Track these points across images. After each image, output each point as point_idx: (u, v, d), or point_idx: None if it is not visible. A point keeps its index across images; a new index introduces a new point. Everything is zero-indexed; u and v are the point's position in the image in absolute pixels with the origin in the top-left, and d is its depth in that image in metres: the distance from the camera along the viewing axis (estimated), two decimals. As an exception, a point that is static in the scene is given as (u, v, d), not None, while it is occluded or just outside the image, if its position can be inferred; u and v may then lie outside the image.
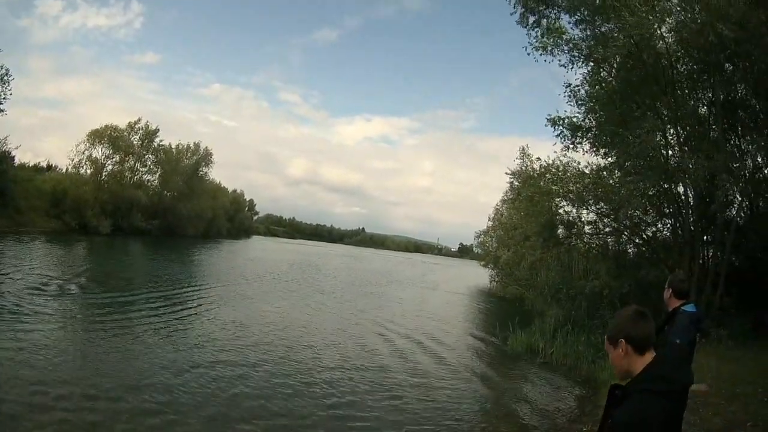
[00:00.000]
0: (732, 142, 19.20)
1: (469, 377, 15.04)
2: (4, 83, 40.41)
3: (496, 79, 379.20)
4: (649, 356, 3.07)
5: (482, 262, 55.80)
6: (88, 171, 61.09)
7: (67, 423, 8.50)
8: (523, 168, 30.82)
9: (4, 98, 40.40)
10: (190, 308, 20.20)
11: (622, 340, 3.07)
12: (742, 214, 19.48)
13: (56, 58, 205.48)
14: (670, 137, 19.33)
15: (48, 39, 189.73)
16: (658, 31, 17.32)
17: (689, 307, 6.03)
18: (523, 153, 35.05)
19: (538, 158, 23.67)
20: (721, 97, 17.94)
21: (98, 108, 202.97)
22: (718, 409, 9.81)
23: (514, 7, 19.97)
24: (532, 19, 19.74)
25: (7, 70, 40.46)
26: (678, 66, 18.52)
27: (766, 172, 19.08)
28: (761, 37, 14.77)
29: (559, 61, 19.70)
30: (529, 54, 19.48)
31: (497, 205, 50.38)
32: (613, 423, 3.02)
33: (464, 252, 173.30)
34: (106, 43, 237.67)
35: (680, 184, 18.86)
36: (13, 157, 49.70)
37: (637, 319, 3.13)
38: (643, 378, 3.00)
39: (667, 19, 17.65)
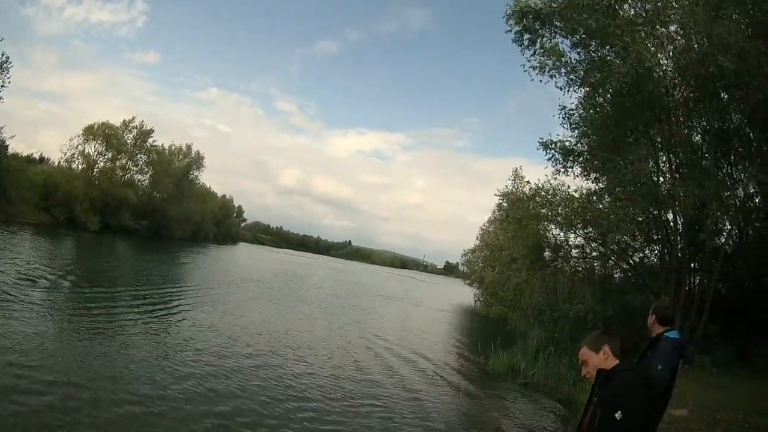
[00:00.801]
0: (724, 170, 19.32)
1: (448, 395, 14.98)
2: (3, 71, 39.79)
3: (492, 101, 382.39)
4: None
5: (467, 281, 55.92)
6: (80, 166, 61.17)
7: (42, 417, 8.46)
8: (514, 190, 30.93)
9: (2, 86, 39.90)
10: (174, 311, 20.03)
11: (606, 345, 4.06)
12: (731, 242, 19.57)
13: (58, 51, 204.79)
14: (662, 164, 19.48)
15: (51, 31, 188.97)
16: (658, 58, 17.40)
17: (672, 334, 5.99)
18: (516, 175, 35.19)
19: (528, 182, 23.79)
20: (716, 125, 18.03)
21: (97, 104, 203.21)
22: (698, 434, 9.81)
23: (510, 25, 19.97)
24: (527, 37, 19.74)
25: (6, 57, 39.92)
26: (673, 93, 18.61)
27: (757, 201, 19.14)
28: (760, 67, 14.83)
29: (556, 83, 19.79)
30: (525, 71, 19.55)
31: (484, 225, 50.63)
32: (604, 396, 3.86)
33: (450, 270, 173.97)
34: (108, 40, 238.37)
35: (670, 211, 18.92)
36: (7, 146, 49.55)
37: (609, 333, 4.34)
38: (625, 363, 4.03)
39: (667, 46, 17.77)
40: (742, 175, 18.93)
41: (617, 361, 4.00)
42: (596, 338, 4.22)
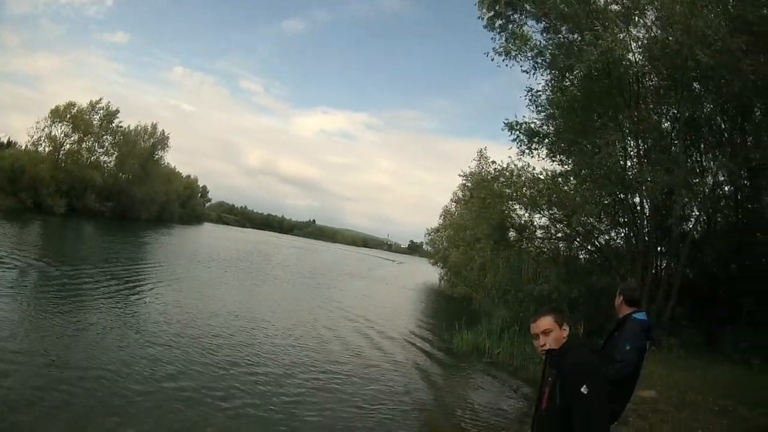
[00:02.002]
0: (693, 158, 19.55)
1: (412, 375, 15.01)
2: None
3: (462, 84, 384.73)
4: None
5: (432, 260, 56.12)
6: (47, 149, 60.29)
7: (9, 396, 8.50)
8: (479, 170, 31.02)
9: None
10: (140, 292, 19.97)
11: (566, 324, 3.95)
12: (699, 229, 19.85)
13: (27, 32, 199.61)
14: (630, 149, 19.57)
15: (20, 11, 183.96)
16: (630, 46, 17.52)
17: (640, 315, 6.06)
18: (481, 155, 35.35)
19: (493, 161, 23.85)
20: (686, 114, 18.17)
21: (64, 86, 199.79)
22: (667, 416, 9.99)
23: (481, 10, 19.96)
24: (498, 23, 19.77)
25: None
26: (644, 81, 18.73)
27: (726, 189, 19.47)
28: (737, 61, 14.98)
29: (522, 66, 19.86)
30: (492, 60, 19.56)
31: (447, 204, 50.84)
32: (562, 373, 3.69)
33: (414, 249, 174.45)
34: (77, 20, 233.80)
35: (637, 195, 19.08)
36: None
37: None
38: (576, 340, 4.03)
39: (641, 35, 17.90)
40: (712, 163, 19.15)
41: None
42: (561, 313, 4.08)
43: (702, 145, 19.83)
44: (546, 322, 3.97)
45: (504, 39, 19.54)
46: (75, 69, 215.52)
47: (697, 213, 19.20)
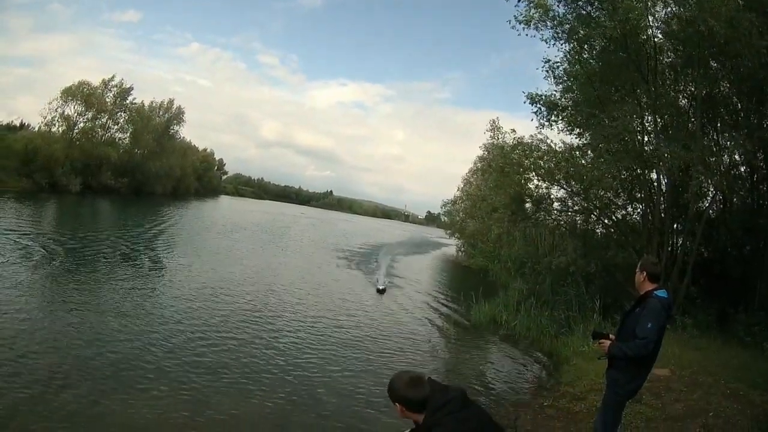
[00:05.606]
0: (710, 136, 19.26)
1: (430, 345, 15.30)
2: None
3: (477, 57, 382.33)
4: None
5: (448, 231, 56.20)
6: (60, 129, 60.17)
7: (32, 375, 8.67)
8: (495, 141, 30.91)
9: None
10: (160, 267, 20.41)
11: (397, 404, 3.48)
12: (715, 207, 19.64)
13: (35, 15, 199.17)
14: (648, 124, 19.36)
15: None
16: (648, 20, 17.31)
17: (661, 293, 6.07)
18: (494, 126, 35.14)
19: (513, 130, 23.68)
20: (704, 92, 17.96)
21: (74, 67, 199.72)
22: (680, 395, 10.01)
23: None
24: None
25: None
26: (661, 57, 18.50)
27: (742, 169, 19.25)
28: (751, 38, 14.82)
29: (542, 36, 19.64)
30: (513, 27, 19.35)
31: (466, 175, 50.63)
32: None
33: (431, 220, 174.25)
34: (86, 2, 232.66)
35: (654, 170, 18.92)
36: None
37: (408, 387, 3.47)
38: (431, 415, 3.29)
39: (658, 9, 17.67)
40: (729, 142, 18.90)
41: (419, 416, 3.42)
42: (391, 390, 3.56)
43: (719, 124, 19.45)
44: None
45: (525, 6, 19.34)
46: (85, 49, 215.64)
47: (714, 191, 18.95)
